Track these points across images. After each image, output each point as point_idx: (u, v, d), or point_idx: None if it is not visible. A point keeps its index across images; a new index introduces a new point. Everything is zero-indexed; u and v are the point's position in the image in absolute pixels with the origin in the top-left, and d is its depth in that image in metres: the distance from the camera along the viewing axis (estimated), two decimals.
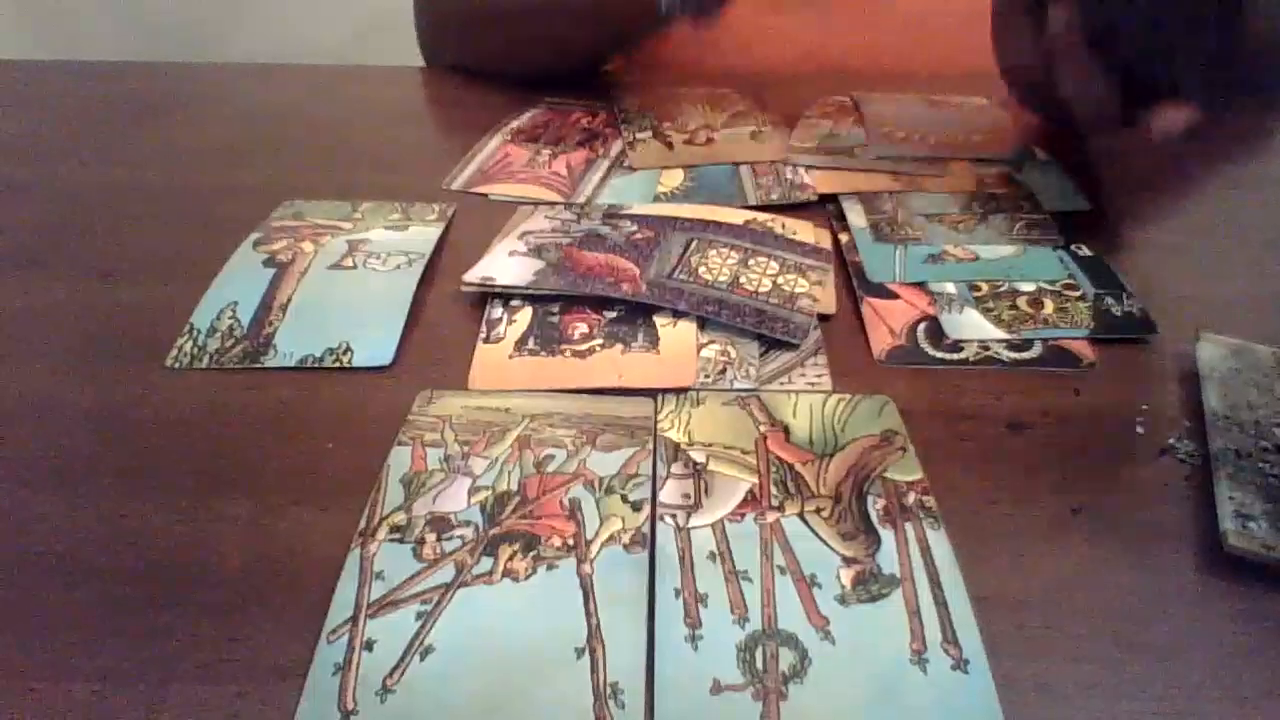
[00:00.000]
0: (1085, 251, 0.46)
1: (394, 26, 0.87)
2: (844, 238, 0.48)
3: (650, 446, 0.34)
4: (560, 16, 0.63)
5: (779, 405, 0.36)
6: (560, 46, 0.66)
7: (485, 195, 0.53)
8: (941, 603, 0.29)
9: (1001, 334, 0.40)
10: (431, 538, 0.31)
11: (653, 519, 0.31)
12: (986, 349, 0.40)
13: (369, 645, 0.27)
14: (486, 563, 0.30)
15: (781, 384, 0.38)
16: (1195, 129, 0.43)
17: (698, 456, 0.34)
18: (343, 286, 0.43)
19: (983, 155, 0.55)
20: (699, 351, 0.39)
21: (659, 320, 0.41)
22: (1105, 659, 0.28)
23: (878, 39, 0.71)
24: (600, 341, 0.40)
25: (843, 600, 0.29)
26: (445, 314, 0.43)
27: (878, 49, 0.70)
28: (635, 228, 0.47)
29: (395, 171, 0.56)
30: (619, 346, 0.39)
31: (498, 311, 0.42)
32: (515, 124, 0.61)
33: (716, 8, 0.55)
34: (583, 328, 0.40)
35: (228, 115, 0.64)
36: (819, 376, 0.38)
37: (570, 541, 0.31)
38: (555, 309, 0.42)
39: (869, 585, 0.29)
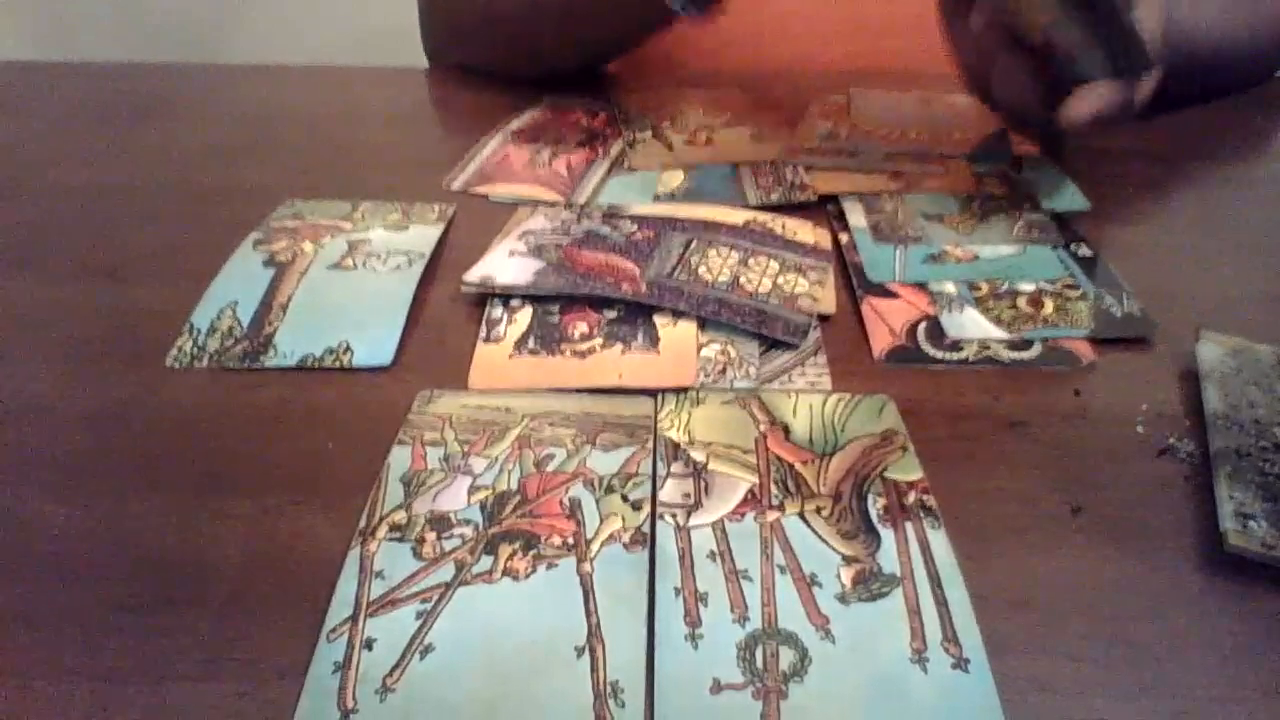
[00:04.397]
0: (1085, 251, 0.46)
1: (394, 28, 0.87)
2: (844, 238, 0.48)
3: (650, 446, 0.34)
4: (563, 16, 0.63)
5: (779, 405, 0.36)
6: (563, 46, 0.66)
7: (485, 196, 0.53)
8: (942, 602, 0.29)
9: (1001, 334, 0.40)
10: (431, 536, 0.31)
11: (653, 518, 0.31)
12: (986, 349, 0.40)
13: (369, 644, 0.27)
14: (486, 561, 0.30)
15: (781, 383, 0.38)
16: (1108, 113, 0.45)
17: (698, 456, 0.34)
18: (343, 286, 0.43)
19: (955, 154, 0.55)
20: (699, 351, 0.39)
21: (659, 320, 0.41)
22: (1105, 659, 0.27)
23: (878, 40, 0.71)
24: (600, 341, 0.40)
25: (843, 599, 0.29)
26: (445, 314, 0.43)
27: (878, 50, 0.71)
28: (635, 228, 0.47)
29: (395, 172, 0.56)
30: (619, 346, 0.39)
31: (498, 311, 0.42)
32: (515, 124, 0.61)
33: (719, 2, 0.55)
34: (583, 327, 0.40)
35: (228, 115, 0.64)
36: (819, 376, 0.38)
37: (570, 540, 0.31)
38: (555, 309, 0.42)
39: (869, 584, 0.29)
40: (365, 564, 0.30)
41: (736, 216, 0.49)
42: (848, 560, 0.30)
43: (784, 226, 0.48)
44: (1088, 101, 0.45)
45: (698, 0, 0.54)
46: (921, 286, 0.43)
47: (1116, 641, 0.28)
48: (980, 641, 0.27)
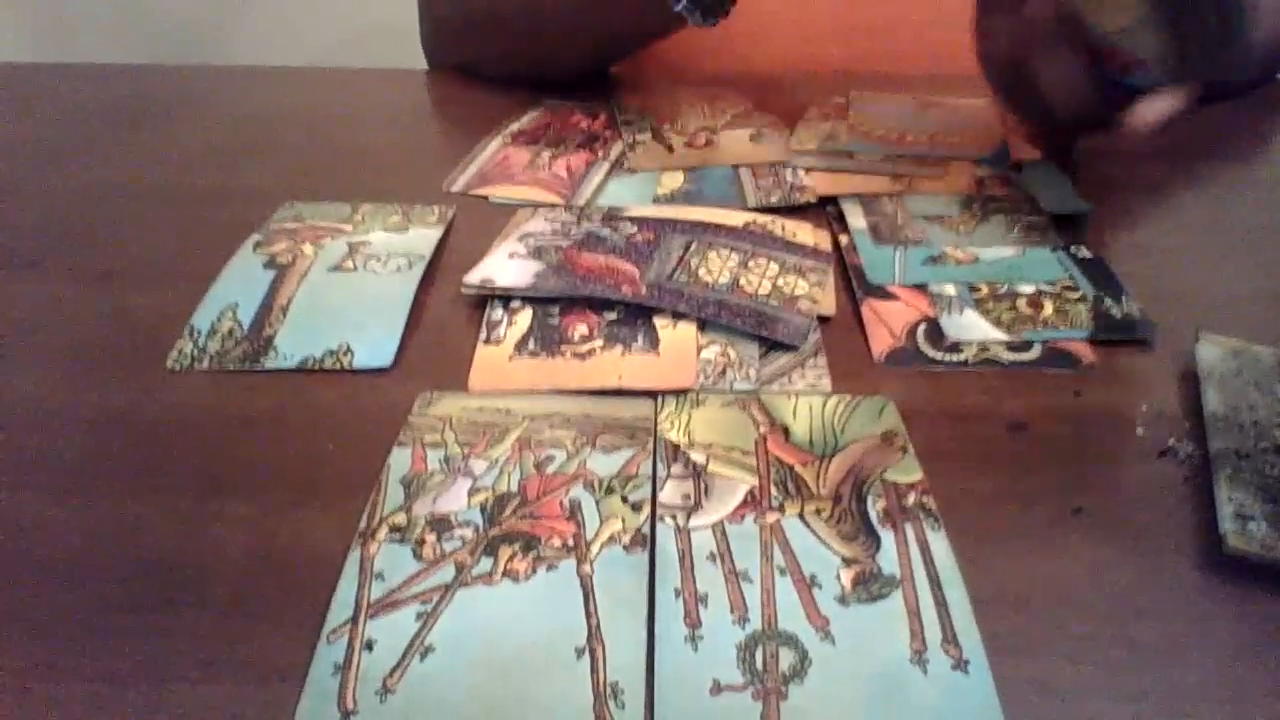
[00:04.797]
0: (1085, 253, 0.46)
1: (394, 28, 0.87)
2: (844, 239, 0.48)
3: (650, 447, 0.34)
4: (565, 22, 0.63)
5: (779, 406, 0.37)
6: (564, 51, 0.66)
7: (485, 197, 0.53)
8: (941, 603, 0.29)
9: (1001, 335, 0.40)
10: (431, 538, 0.31)
11: (653, 519, 0.31)
12: (986, 350, 0.40)
13: (369, 645, 0.27)
14: (486, 563, 0.30)
15: (781, 385, 0.38)
16: (1172, 119, 0.45)
17: (698, 457, 0.34)
18: (343, 288, 0.43)
19: (961, 155, 0.55)
20: (699, 353, 0.39)
21: (659, 322, 0.41)
22: (1105, 659, 0.28)
23: (877, 42, 0.71)
24: (600, 343, 0.40)
25: (843, 600, 0.29)
26: (445, 316, 0.43)
27: (877, 51, 0.71)
28: (635, 230, 0.47)
29: (395, 174, 0.56)
30: (619, 348, 0.39)
31: (498, 313, 0.42)
32: (515, 126, 0.61)
33: (725, 9, 0.55)
34: (583, 329, 0.41)
35: (228, 117, 0.64)
36: (819, 378, 0.38)
37: (570, 542, 0.31)
38: (555, 310, 0.42)
39: (869, 585, 0.29)
40: (365, 565, 0.30)
41: (736, 218, 0.49)
42: (847, 561, 0.30)
43: (784, 228, 0.48)
44: (1157, 108, 0.44)
45: (706, 9, 0.54)
46: (921, 288, 0.43)
47: (1116, 642, 0.28)
48: (980, 642, 0.27)
